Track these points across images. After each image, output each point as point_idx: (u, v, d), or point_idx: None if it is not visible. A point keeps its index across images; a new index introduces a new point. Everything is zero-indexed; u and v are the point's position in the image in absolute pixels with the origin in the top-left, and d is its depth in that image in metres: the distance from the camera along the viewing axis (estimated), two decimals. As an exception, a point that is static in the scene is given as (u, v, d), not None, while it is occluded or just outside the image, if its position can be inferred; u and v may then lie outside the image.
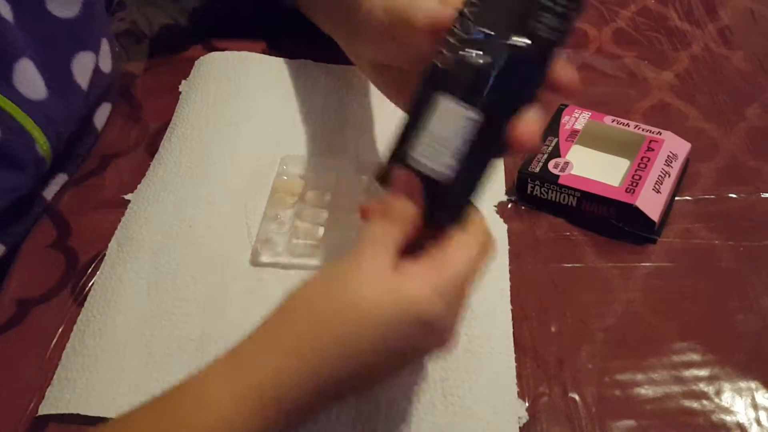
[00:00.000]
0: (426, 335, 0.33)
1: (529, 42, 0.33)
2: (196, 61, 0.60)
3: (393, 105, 0.56)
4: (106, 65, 0.53)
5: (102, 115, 0.55)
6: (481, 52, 0.34)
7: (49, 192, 0.51)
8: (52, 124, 0.46)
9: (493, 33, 0.34)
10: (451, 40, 0.34)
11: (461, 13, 0.35)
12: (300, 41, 0.62)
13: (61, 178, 0.51)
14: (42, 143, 0.46)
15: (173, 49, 0.63)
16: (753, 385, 0.40)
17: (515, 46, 0.33)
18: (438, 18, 0.36)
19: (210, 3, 0.67)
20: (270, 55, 0.60)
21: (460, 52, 0.34)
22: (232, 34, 0.63)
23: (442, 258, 0.34)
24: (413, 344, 0.34)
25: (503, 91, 0.34)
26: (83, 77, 0.49)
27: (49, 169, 0.49)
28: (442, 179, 0.34)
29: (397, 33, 0.40)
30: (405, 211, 0.35)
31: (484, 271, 0.35)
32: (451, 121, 0.34)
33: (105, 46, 0.53)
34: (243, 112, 0.55)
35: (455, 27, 0.35)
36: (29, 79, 0.45)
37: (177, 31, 0.65)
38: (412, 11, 0.38)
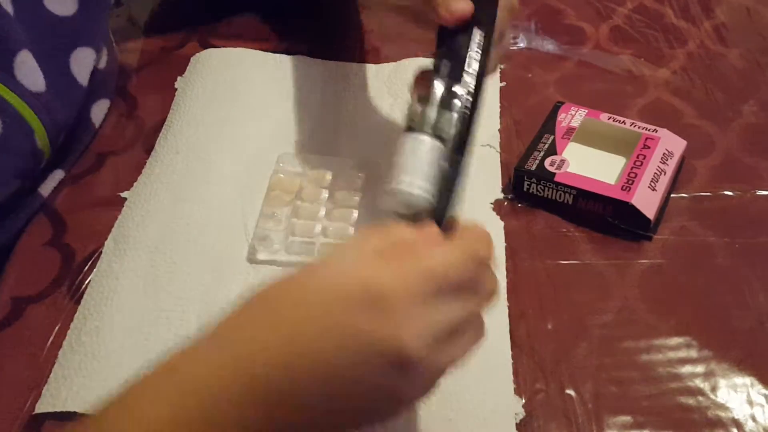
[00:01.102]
0: (377, 315, 0.28)
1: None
2: (192, 58, 0.59)
3: (389, 102, 0.57)
4: (103, 61, 0.53)
5: (99, 111, 0.55)
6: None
7: (46, 188, 0.51)
8: (51, 117, 0.46)
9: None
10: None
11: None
12: (296, 36, 0.62)
13: (58, 174, 0.51)
14: (41, 135, 0.46)
15: (168, 47, 0.63)
16: (748, 381, 0.40)
17: None
18: None
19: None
20: (266, 50, 0.60)
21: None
22: (226, 29, 0.63)
23: (413, 251, 0.30)
24: (364, 325, 0.28)
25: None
26: (82, 73, 0.49)
27: (47, 163, 0.49)
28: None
29: None
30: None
31: (480, 280, 0.32)
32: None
33: (103, 43, 0.53)
34: (240, 108, 0.55)
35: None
36: (29, 71, 0.45)
37: (171, 24, 0.65)
38: None
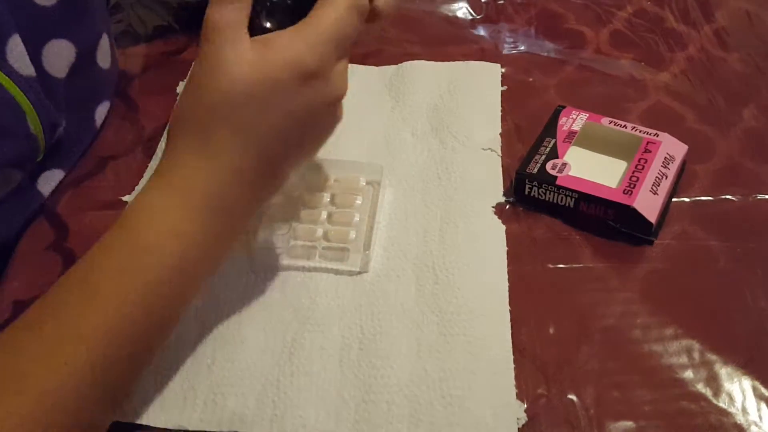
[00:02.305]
0: (302, 83, 0.36)
1: None
2: (193, 63, 0.59)
3: (390, 104, 0.57)
4: (104, 62, 0.53)
5: (102, 113, 0.55)
6: None
7: (45, 187, 0.50)
8: (41, 104, 0.46)
9: None
10: None
11: None
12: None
13: (57, 174, 0.51)
14: (32, 119, 0.46)
15: (169, 51, 0.63)
16: (751, 385, 0.40)
17: None
18: None
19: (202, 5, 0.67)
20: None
21: None
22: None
23: (306, 21, 0.36)
24: (295, 95, 0.36)
25: None
26: (56, 65, 0.49)
27: (45, 158, 0.49)
28: None
29: None
30: None
31: (359, 27, 0.38)
32: None
33: (104, 42, 0.53)
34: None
35: None
36: (20, 55, 0.45)
37: (172, 33, 0.65)
38: None
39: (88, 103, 0.53)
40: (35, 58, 0.47)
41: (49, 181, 0.51)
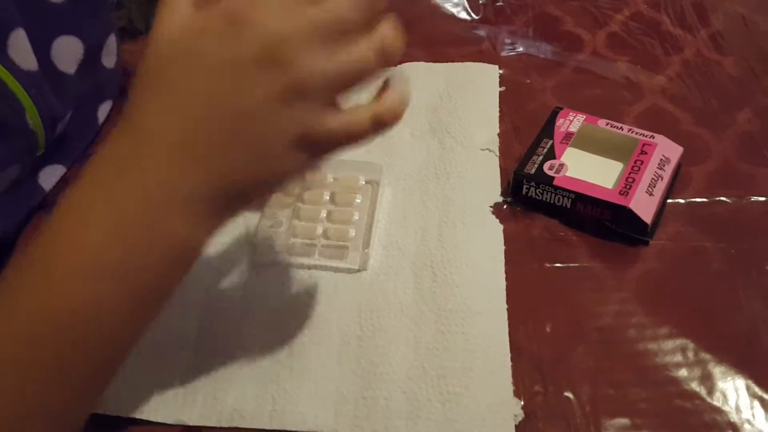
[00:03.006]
0: (234, 35, 0.30)
1: None
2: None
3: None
4: (109, 61, 0.54)
5: (105, 111, 0.56)
6: None
7: (47, 182, 0.51)
8: (42, 99, 0.46)
9: None
10: None
11: None
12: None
13: (59, 170, 0.51)
14: (32, 115, 0.46)
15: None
16: (744, 384, 0.41)
17: None
18: None
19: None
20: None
21: None
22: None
23: None
24: (222, 48, 0.30)
25: None
26: (65, 61, 0.49)
27: (45, 154, 0.49)
28: None
29: None
30: None
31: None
32: None
33: (110, 41, 0.53)
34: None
35: None
36: (23, 49, 0.45)
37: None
38: None
39: (92, 100, 0.53)
40: (44, 53, 0.47)
41: (50, 176, 0.51)
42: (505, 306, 0.44)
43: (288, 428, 0.39)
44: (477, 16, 0.68)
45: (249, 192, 0.33)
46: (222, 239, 0.47)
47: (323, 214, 0.48)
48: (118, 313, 0.31)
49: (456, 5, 0.69)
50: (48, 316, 0.30)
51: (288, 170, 0.33)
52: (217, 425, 0.39)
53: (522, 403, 0.40)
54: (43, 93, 0.46)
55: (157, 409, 0.40)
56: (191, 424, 0.40)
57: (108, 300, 0.31)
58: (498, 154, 0.53)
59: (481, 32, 0.66)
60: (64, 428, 0.33)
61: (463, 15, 0.68)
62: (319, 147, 0.33)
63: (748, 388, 0.41)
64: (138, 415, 0.40)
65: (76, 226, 0.31)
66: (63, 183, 0.52)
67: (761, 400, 0.40)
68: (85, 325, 0.31)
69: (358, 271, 0.46)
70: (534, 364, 0.42)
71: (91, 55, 0.51)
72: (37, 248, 0.32)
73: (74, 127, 0.51)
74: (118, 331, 0.32)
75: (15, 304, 0.31)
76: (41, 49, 0.47)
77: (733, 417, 0.40)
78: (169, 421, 0.40)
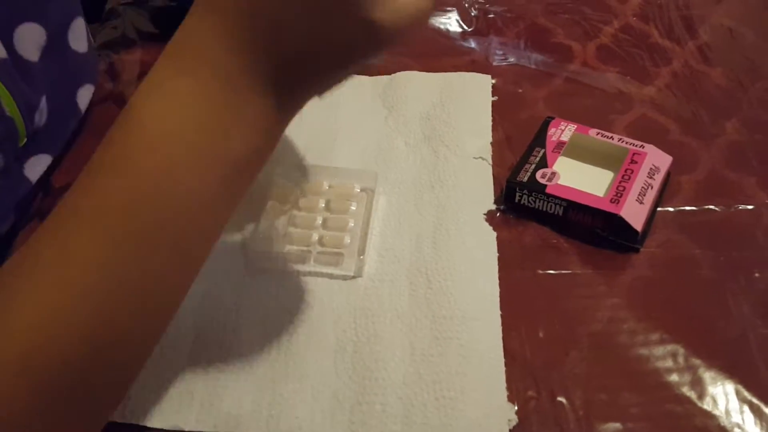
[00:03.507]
0: None
1: None
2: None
3: (383, 114, 0.58)
4: (79, 45, 0.54)
5: (85, 96, 0.56)
6: None
7: (32, 173, 0.50)
8: (16, 86, 0.46)
9: None
10: None
11: None
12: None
13: (44, 159, 0.51)
14: (8, 102, 0.45)
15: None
16: (734, 389, 0.42)
17: None
18: None
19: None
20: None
21: None
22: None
23: None
24: None
25: None
26: (28, 48, 0.49)
27: (30, 143, 0.49)
28: None
29: None
30: None
31: None
32: None
33: (76, 26, 0.53)
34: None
35: None
36: None
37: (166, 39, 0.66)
38: None
39: (67, 86, 0.53)
40: (8, 41, 0.47)
41: (36, 167, 0.50)
42: (499, 312, 0.45)
43: (284, 433, 0.39)
44: (469, 28, 0.69)
45: (319, 65, 0.32)
46: (218, 246, 0.47)
47: (319, 221, 0.49)
48: (204, 195, 0.31)
49: (448, 17, 0.70)
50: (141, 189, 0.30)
51: (353, 46, 0.32)
52: (214, 430, 0.40)
53: (516, 408, 0.41)
54: (15, 80, 0.46)
55: (153, 414, 0.40)
56: (187, 429, 0.40)
57: (192, 180, 0.31)
58: (491, 162, 0.54)
59: (473, 43, 0.66)
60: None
61: (455, 27, 0.69)
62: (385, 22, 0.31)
63: (737, 392, 0.41)
64: (134, 421, 0.40)
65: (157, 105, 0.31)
66: (65, 185, 0.52)
67: (750, 405, 0.41)
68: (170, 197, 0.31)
69: (354, 277, 0.47)
70: (527, 370, 0.42)
71: (55, 40, 0.51)
72: (117, 131, 0.31)
73: (54, 115, 0.51)
74: (204, 216, 0.32)
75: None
76: (5, 38, 0.47)
77: (723, 421, 0.40)
78: (166, 426, 0.40)
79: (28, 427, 0.29)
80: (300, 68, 0.32)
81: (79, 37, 0.54)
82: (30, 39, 0.49)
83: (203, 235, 0.34)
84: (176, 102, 0.31)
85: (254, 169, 0.34)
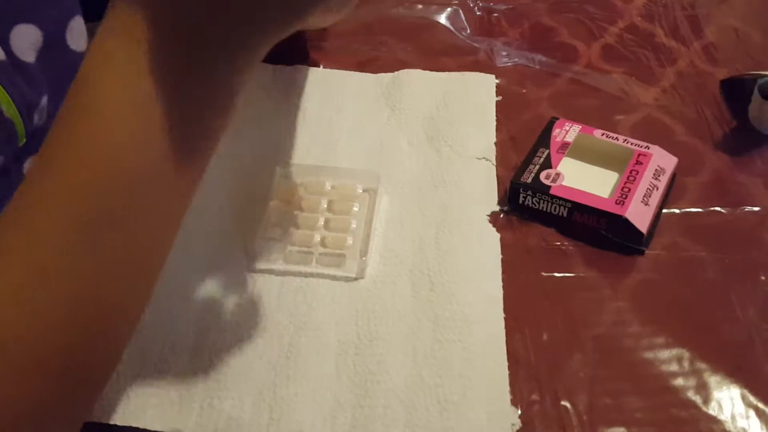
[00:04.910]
0: None
1: None
2: None
3: (386, 113, 0.57)
4: (78, 44, 0.53)
5: None
6: None
7: None
8: (14, 87, 0.45)
9: None
10: None
11: None
12: (293, 46, 0.62)
13: None
14: (6, 103, 0.45)
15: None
16: (739, 393, 0.41)
17: None
18: None
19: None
20: (263, 61, 0.60)
21: None
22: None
23: None
24: None
25: None
26: (24, 50, 0.48)
27: (29, 144, 0.48)
28: None
29: None
30: None
31: None
32: None
33: (75, 24, 0.53)
34: (239, 119, 0.55)
35: None
36: None
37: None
38: None
39: (67, 85, 0.53)
40: (4, 43, 0.46)
41: None
42: (502, 315, 0.44)
43: (285, 436, 0.39)
44: (473, 27, 0.68)
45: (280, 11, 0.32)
46: (219, 247, 0.47)
47: (321, 222, 0.48)
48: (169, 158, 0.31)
49: (452, 16, 0.69)
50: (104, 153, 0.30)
51: None
52: (214, 433, 0.39)
53: (519, 411, 0.40)
54: (14, 82, 0.46)
55: (153, 417, 0.40)
56: (188, 432, 0.39)
57: (155, 138, 0.30)
58: (495, 163, 0.54)
59: (478, 43, 0.66)
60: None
61: (459, 26, 0.68)
62: None
63: (743, 397, 0.41)
64: (134, 423, 0.40)
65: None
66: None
67: (756, 410, 0.40)
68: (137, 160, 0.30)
69: (356, 279, 0.46)
70: (531, 373, 0.42)
71: (54, 40, 0.51)
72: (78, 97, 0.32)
73: (54, 115, 0.51)
74: (171, 181, 0.32)
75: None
76: (1, 40, 0.46)
77: (729, 426, 0.40)
78: (166, 429, 0.39)
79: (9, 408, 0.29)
80: (248, 19, 0.31)
81: (77, 36, 0.54)
82: (26, 40, 0.48)
83: (176, 198, 0.33)
84: (131, 72, 0.30)
85: (220, 128, 0.33)
